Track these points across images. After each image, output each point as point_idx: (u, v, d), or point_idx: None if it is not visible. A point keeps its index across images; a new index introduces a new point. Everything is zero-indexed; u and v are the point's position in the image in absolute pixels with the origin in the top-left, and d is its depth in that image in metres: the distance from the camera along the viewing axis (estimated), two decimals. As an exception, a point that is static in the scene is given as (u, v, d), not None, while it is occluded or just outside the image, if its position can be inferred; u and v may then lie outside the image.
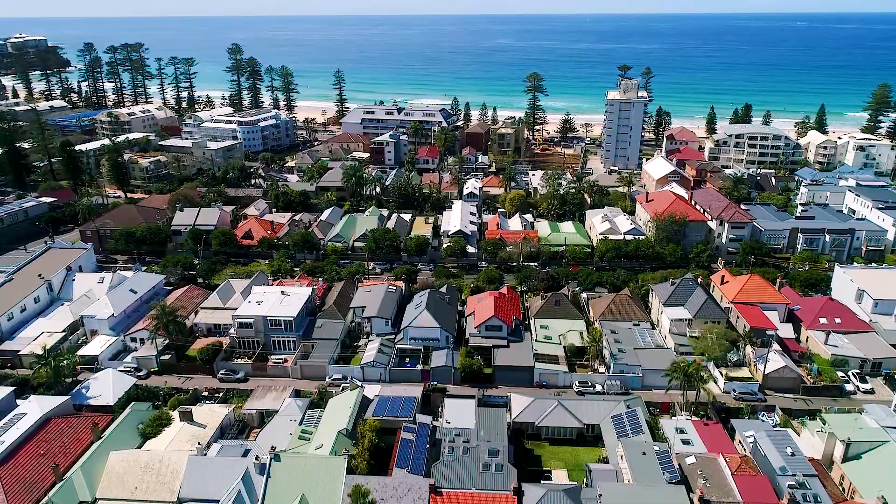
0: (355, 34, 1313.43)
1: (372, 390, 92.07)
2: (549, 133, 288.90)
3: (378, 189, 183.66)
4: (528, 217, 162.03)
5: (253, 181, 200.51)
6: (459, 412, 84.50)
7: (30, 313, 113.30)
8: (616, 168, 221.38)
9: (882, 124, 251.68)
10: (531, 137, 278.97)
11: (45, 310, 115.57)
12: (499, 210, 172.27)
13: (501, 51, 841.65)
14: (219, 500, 67.07)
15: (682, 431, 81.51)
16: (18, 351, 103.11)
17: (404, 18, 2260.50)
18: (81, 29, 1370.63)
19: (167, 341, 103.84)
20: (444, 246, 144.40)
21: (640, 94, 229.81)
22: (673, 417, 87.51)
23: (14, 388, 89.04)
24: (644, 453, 73.45)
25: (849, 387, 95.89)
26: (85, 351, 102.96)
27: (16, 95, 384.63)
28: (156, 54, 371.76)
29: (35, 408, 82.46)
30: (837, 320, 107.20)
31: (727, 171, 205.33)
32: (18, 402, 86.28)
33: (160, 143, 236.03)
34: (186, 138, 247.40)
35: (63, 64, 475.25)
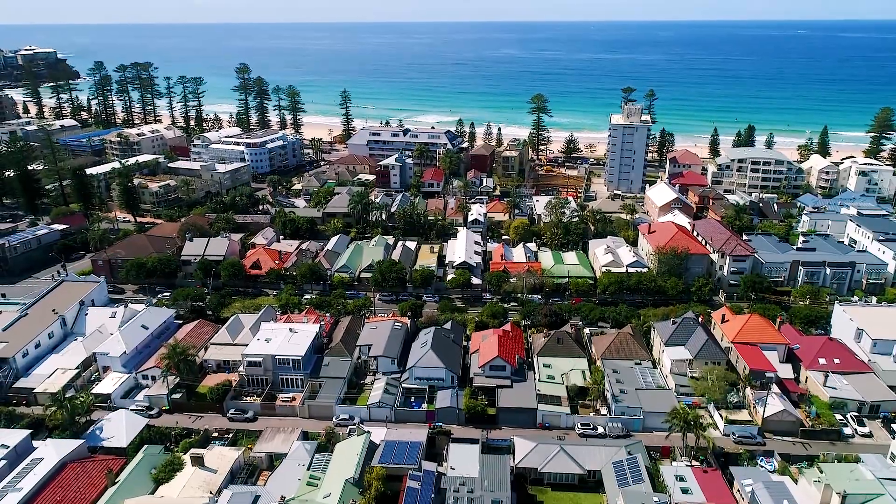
0: (358, 43, 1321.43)
1: (378, 432, 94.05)
2: (552, 153, 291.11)
3: (384, 215, 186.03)
4: (532, 246, 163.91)
5: (261, 206, 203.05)
6: (463, 458, 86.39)
7: (44, 349, 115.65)
8: (619, 192, 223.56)
9: (884, 147, 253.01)
10: (536, 157, 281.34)
11: (59, 345, 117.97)
12: (503, 237, 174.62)
13: (506, 62, 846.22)
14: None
15: (681, 479, 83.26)
16: (33, 388, 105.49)
17: (406, 26, 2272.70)
18: (85, 36, 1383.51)
19: (178, 379, 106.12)
20: (449, 278, 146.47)
21: (643, 118, 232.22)
22: (673, 463, 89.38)
23: (30, 430, 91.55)
24: (644, 505, 75.36)
25: (847, 430, 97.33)
26: (98, 389, 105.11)
27: (26, 111, 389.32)
28: (159, 61, 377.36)
29: (52, 452, 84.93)
30: (836, 360, 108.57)
31: (730, 196, 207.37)
32: (35, 443, 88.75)
33: (169, 164, 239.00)
34: (195, 159, 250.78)
35: (72, 76, 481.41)
